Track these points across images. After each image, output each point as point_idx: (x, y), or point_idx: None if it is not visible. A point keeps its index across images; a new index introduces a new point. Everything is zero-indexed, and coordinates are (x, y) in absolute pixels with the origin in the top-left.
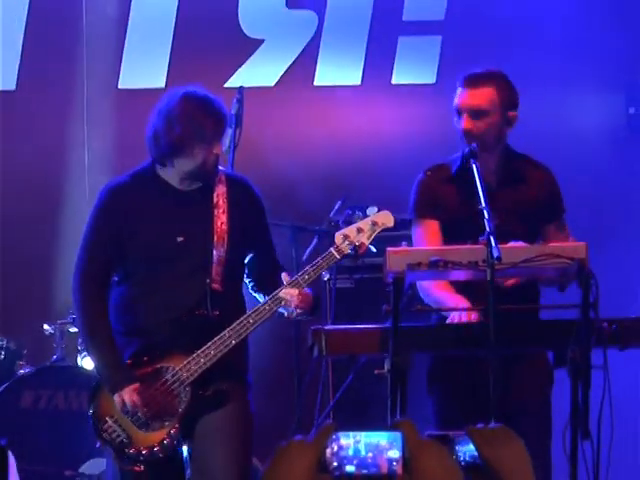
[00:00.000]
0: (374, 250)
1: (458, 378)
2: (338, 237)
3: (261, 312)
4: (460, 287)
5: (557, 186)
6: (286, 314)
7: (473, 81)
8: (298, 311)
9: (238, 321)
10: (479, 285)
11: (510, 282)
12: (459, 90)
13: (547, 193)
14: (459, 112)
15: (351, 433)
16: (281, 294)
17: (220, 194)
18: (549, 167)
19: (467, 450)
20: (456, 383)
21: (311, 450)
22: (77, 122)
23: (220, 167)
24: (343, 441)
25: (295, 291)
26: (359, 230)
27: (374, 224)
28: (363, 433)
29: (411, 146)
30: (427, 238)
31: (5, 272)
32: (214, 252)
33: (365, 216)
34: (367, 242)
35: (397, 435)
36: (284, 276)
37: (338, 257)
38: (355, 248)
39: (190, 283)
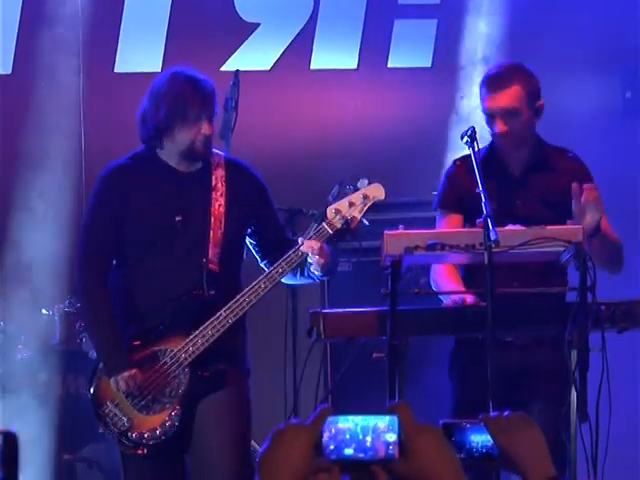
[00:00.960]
0: (366, 223)
1: (480, 363)
2: (330, 211)
3: (256, 291)
4: (472, 274)
5: (589, 176)
6: (312, 268)
7: (499, 82)
8: (317, 263)
9: (234, 300)
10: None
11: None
12: (484, 93)
13: (577, 181)
14: (491, 116)
15: (348, 417)
16: (303, 247)
17: (219, 177)
18: (579, 156)
19: (482, 440)
20: (478, 368)
21: (308, 433)
22: (73, 106)
23: (220, 151)
24: (341, 424)
25: (316, 244)
26: (351, 204)
27: (365, 197)
28: (360, 416)
29: (408, 129)
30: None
31: (2, 257)
32: (211, 233)
33: (356, 189)
34: (359, 216)
35: (394, 418)
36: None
37: (330, 232)
38: (347, 222)
39: (187, 263)
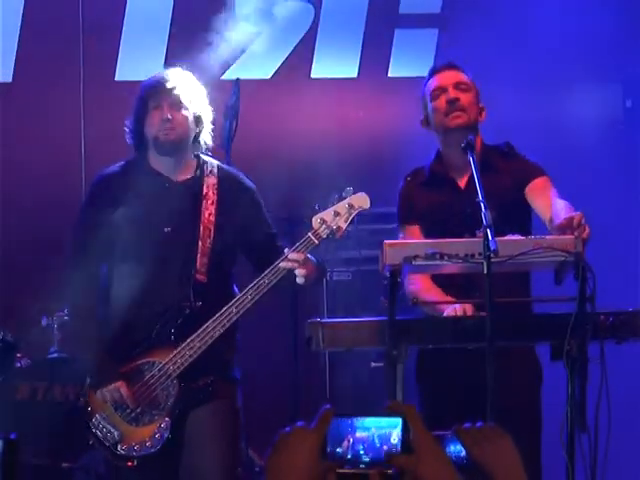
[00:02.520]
0: (351, 231)
1: (447, 374)
2: (315, 221)
3: (243, 302)
4: (446, 288)
5: (522, 158)
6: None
7: (447, 65)
8: (301, 275)
9: (221, 311)
10: (466, 283)
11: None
12: (432, 77)
13: (517, 165)
14: (441, 90)
15: (352, 419)
16: (282, 264)
17: (210, 185)
18: (516, 149)
19: (455, 450)
20: (444, 379)
21: (313, 436)
22: (74, 114)
23: (215, 161)
24: (359, 434)
25: (300, 256)
26: (336, 213)
27: (350, 207)
28: (364, 419)
29: (408, 139)
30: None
31: (2, 264)
32: (199, 243)
33: (341, 198)
34: (344, 225)
35: (397, 419)
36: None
37: (316, 242)
38: (333, 232)
39: (175, 275)
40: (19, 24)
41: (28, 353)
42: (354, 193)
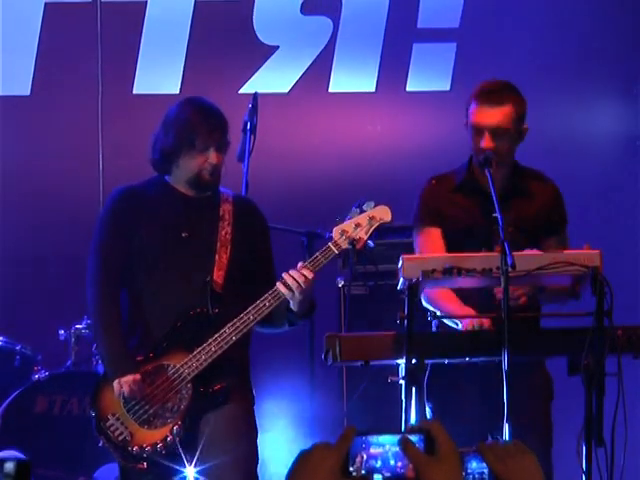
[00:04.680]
0: (372, 245)
1: (456, 390)
2: (336, 232)
3: (261, 308)
4: (464, 299)
5: (560, 200)
6: (291, 304)
7: (494, 99)
8: (297, 294)
9: (238, 317)
10: (482, 296)
11: (523, 300)
12: (476, 106)
13: (549, 206)
14: (479, 131)
15: (379, 438)
16: (280, 283)
17: (227, 210)
18: (553, 180)
19: (478, 467)
20: (454, 395)
21: (334, 455)
22: (92, 128)
23: (227, 190)
24: (373, 450)
25: (299, 275)
26: (357, 225)
27: (372, 219)
28: (387, 437)
29: (426, 153)
30: (430, 246)
31: (19, 277)
32: (216, 257)
33: (362, 211)
34: (365, 237)
35: (419, 437)
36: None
37: (336, 252)
38: (353, 243)
39: (192, 280)
40: (37, 37)
41: (46, 366)
42: (376, 205)
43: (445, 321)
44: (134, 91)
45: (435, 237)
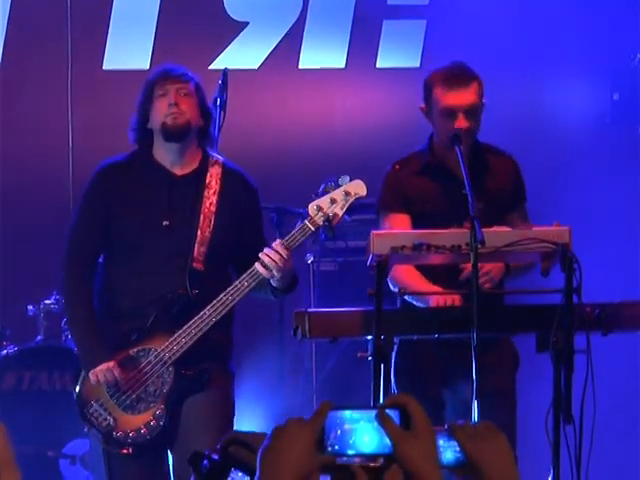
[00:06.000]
0: (347, 219)
1: (423, 367)
2: (311, 208)
3: (239, 289)
4: (430, 277)
5: (520, 175)
6: (271, 282)
7: (462, 80)
8: (276, 273)
9: (217, 299)
10: (448, 274)
11: (487, 286)
12: (445, 90)
13: (511, 182)
14: (451, 112)
15: (352, 413)
16: (258, 264)
17: (214, 175)
18: (512, 155)
19: (450, 446)
20: (420, 373)
21: (309, 429)
22: (61, 104)
23: (217, 155)
24: (347, 426)
25: (275, 253)
26: (332, 201)
27: (347, 194)
28: (364, 413)
29: (395, 130)
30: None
31: None
32: (198, 232)
33: (337, 185)
34: (341, 213)
35: (394, 412)
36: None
37: (312, 229)
38: (329, 219)
39: (172, 264)
40: (7, 12)
41: (14, 341)
42: (351, 180)
43: (406, 298)
44: (104, 67)
45: (403, 223)
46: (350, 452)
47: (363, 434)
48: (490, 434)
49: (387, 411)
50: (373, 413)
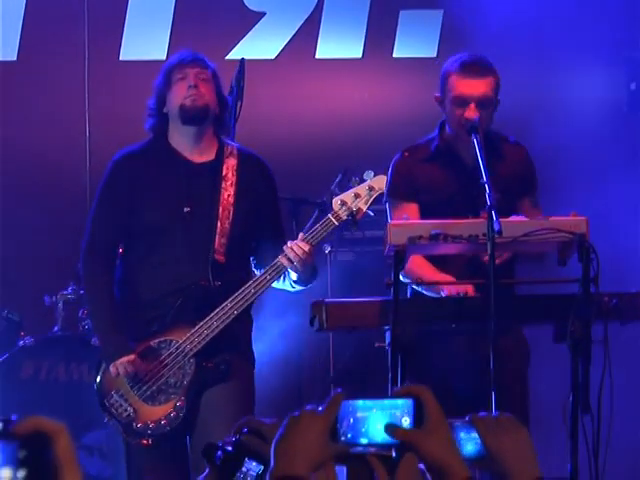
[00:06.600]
0: (372, 214)
1: (433, 359)
2: (335, 203)
3: (261, 282)
4: (441, 266)
5: (531, 162)
6: (291, 275)
7: (478, 70)
8: (299, 267)
9: (239, 291)
10: (461, 261)
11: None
12: (460, 78)
13: (522, 169)
14: (463, 101)
15: (365, 402)
16: (282, 257)
17: (230, 167)
18: (523, 143)
19: (470, 438)
20: (431, 364)
21: (322, 419)
22: (78, 94)
23: (232, 142)
24: (359, 414)
25: (299, 247)
26: (356, 195)
27: (371, 189)
28: (377, 402)
29: (412, 120)
30: None
31: (5, 244)
32: (218, 224)
33: (362, 180)
34: (365, 207)
35: (409, 402)
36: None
37: (336, 223)
38: (353, 214)
39: (194, 254)
40: (24, 3)
41: (32, 332)
42: (375, 175)
43: (414, 287)
44: (121, 57)
45: (410, 212)
46: (363, 441)
47: (376, 422)
48: (511, 426)
49: (400, 400)
50: (385, 402)
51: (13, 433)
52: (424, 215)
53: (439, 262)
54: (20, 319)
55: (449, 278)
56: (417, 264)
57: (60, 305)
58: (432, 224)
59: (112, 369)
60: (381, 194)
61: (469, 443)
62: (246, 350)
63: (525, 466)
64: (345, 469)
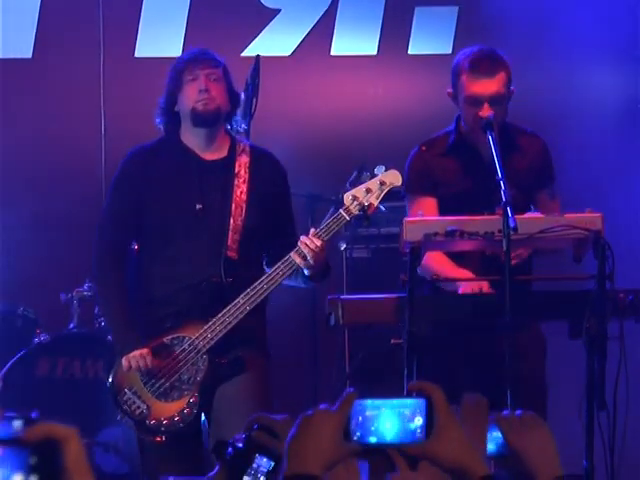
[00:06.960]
0: (383, 209)
1: (447, 355)
2: (347, 198)
3: (274, 277)
4: (458, 261)
5: (549, 153)
6: (305, 271)
7: (488, 69)
8: (312, 262)
9: (251, 287)
10: (476, 258)
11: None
12: (470, 78)
13: (539, 160)
14: (475, 101)
15: (374, 401)
16: (294, 252)
17: (242, 164)
18: (539, 135)
19: (493, 437)
20: (448, 358)
21: (335, 418)
22: (94, 91)
23: (245, 140)
24: (368, 412)
25: (311, 242)
26: (368, 190)
27: (382, 184)
28: (387, 401)
29: (427, 116)
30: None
31: (20, 241)
32: (231, 220)
33: (373, 175)
34: (376, 202)
35: (421, 401)
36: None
37: (347, 218)
38: (364, 209)
39: (206, 251)
40: (39, 0)
41: (48, 329)
42: (386, 170)
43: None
44: (136, 54)
45: (429, 206)
46: (372, 439)
47: (385, 421)
48: (535, 425)
49: (411, 399)
50: (395, 401)
51: (24, 440)
52: (441, 209)
53: (456, 258)
54: (36, 316)
55: (467, 274)
56: (435, 259)
57: (76, 302)
58: (448, 221)
59: (124, 362)
60: (392, 188)
61: (490, 442)
62: (261, 345)
63: (548, 465)
64: (367, 464)
